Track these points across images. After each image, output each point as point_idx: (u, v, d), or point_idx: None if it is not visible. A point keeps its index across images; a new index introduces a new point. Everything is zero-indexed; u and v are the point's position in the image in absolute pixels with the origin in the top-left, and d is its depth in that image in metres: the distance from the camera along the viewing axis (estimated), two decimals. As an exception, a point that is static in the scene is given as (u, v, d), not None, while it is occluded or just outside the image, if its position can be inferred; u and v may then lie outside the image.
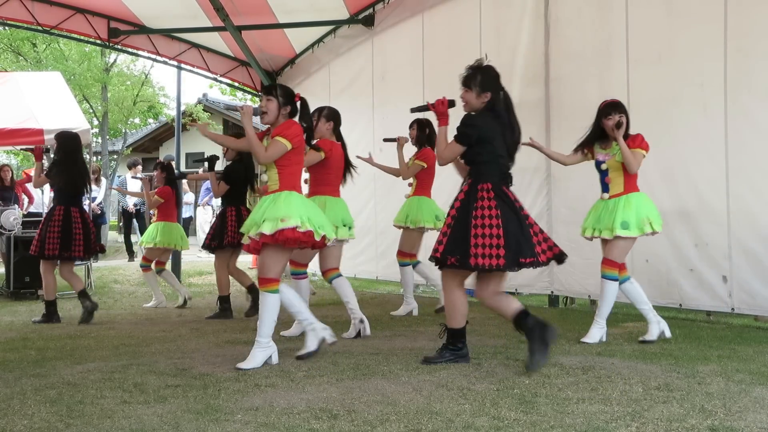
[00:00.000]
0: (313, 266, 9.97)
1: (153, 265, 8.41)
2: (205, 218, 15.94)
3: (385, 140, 7.04)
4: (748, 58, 5.97)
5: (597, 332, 5.31)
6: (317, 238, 4.53)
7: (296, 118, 4.72)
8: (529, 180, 7.61)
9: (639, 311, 5.42)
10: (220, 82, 12.32)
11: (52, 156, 7.25)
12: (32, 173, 13.37)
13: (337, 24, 9.85)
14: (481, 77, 4.39)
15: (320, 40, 10.30)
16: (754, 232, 5.93)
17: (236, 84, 11.94)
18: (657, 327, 5.31)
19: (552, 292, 7.63)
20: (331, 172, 5.74)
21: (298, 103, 4.73)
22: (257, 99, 14.28)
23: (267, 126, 4.78)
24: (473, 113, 4.45)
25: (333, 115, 5.83)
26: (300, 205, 4.55)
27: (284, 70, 11.08)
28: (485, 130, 4.39)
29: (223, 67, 11.34)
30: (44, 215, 7.18)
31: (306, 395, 3.80)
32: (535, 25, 7.57)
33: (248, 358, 4.53)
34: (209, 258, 14.57)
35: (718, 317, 6.48)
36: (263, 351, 4.55)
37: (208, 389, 3.95)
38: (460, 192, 4.43)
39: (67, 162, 6.98)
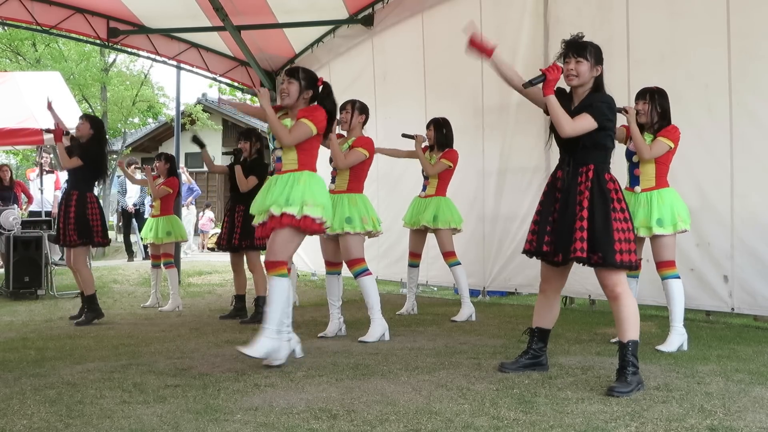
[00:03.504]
0: (314, 266, 10.00)
1: (152, 259, 8.31)
2: (189, 219, 15.89)
3: (404, 135, 6.95)
4: (753, 59, 5.97)
5: (676, 339, 4.97)
6: (325, 227, 4.52)
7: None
8: (529, 180, 7.62)
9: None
10: (220, 81, 12.31)
11: (75, 138, 6.97)
12: (33, 174, 13.43)
13: (337, 24, 9.85)
14: (593, 49, 4.01)
15: (319, 39, 10.29)
16: (758, 232, 5.94)
17: (236, 84, 11.93)
18: None
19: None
20: (366, 170, 5.76)
21: (320, 88, 4.63)
22: (256, 99, 14.26)
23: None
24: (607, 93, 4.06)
25: (365, 109, 5.84)
26: (321, 190, 4.50)
27: (284, 70, 11.05)
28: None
29: (222, 67, 11.32)
30: (65, 203, 6.86)
31: (305, 395, 3.80)
32: (535, 25, 7.57)
33: (252, 344, 4.38)
34: (205, 257, 14.59)
35: (718, 317, 6.48)
36: (270, 341, 4.40)
37: (207, 389, 3.95)
38: (577, 180, 3.93)
39: (102, 143, 6.92)
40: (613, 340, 5.09)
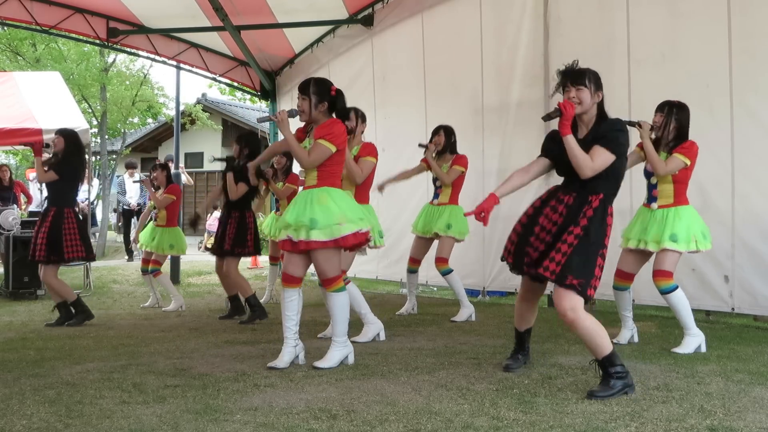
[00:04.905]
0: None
1: (143, 263, 8.27)
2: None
3: (420, 145, 6.82)
4: (754, 59, 5.98)
5: (691, 341, 4.96)
6: (370, 237, 4.56)
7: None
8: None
9: (620, 315, 5.32)
10: (219, 81, 12.32)
11: (51, 152, 7.02)
12: (32, 175, 13.44)
13: (336, 24, 9.85)
14: (593, 75, 3.96)
15: (319, 39, 10.29)
16: (759, 232, 5.94)
17: (235, 84, 11.93)
18: (629, 333, 5.30)
19: (551, 292, 7.59)
20: (372, 178, 5.74)
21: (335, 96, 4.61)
22: (256, 99, 14.26)
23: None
24: (618, 118, 4.00)
25: (365, 118, 5.86)
26: (345, 204, 4.50)
27: (283, 70, 11.08)
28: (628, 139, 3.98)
29: (222, 67, 11.32)
30: (42, 218, 6.89)
31: (305, 395, 3.80)
32: (535, 25, 7.56)
33: (325, 358, 4.50)
34: (204, 257, 14.56)
35: (718, 317, 6.48)
36: (341, 350, 4.54)
37: (207, 389, 3.95)
38: (586, 206, 3.88)
39: (79, 156, 6.90)
40: (614, 340, 5.09)
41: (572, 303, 3.78)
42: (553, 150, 4.00)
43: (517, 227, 4.14)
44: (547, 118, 4.04)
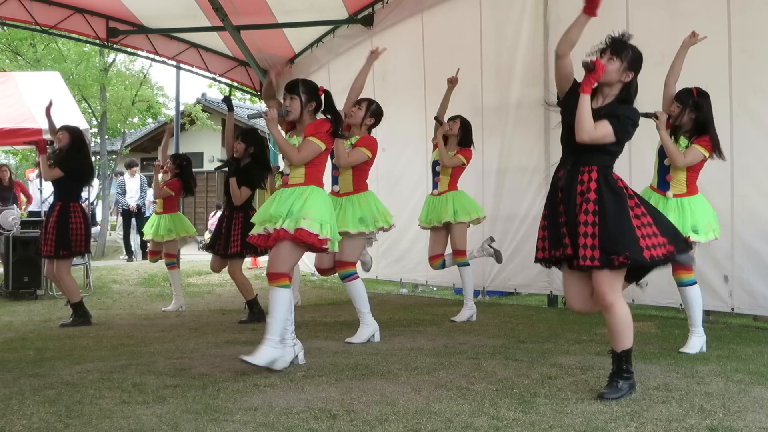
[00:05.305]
0: (311, 266, 9.99)
1: (149, 255, 8.28)
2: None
3: (436, 118, 6.82)
4: (754, 59, 5.97)
5: (697, 341, 4.96)
6: (328, 246, 4.51)
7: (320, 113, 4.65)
8: (528, 180, 7.62)
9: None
10: (219, 81, 12.33)
11: (56, 149, 7.01)
12: (32, 175, 13.45)
13: (336, 24, 9.85)
14: (633, 53, 3.82)
15: (319, 40, 10.30)
16: (758, 232, 5.95)
17: (235, 84, 11.95)
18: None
19: (551, 292, 7.62)
20: (368, 169, 5.73)
21: (323, 97, 4.65)
22: (256, 99, 14.26)
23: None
24: (637, 110, 3.87)
25: (377, 114, 5.82)
26: (323, 206, 4.50)
27: (283, 70, 11.08)
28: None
29: (222, 67, 11.34)
30: (48, 214, 6.93)
31: (305, 395, 3.80)
32: (535, 25, 7.56)
33: (255, 354, 4.33)
34: (205, 257, 14.55)
35: (717, 317, 6.48)
36: (272, 350, 4.36)
37: (207, 389, 3.95)
38: (578, 179, 3.76)
39: (83, 151, 6.93)
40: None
41: (612, 283, 3.68)
42: (568, 99, 3.87)
43: (542, 222, 3.94)
44: (585, 65, 3.80)
